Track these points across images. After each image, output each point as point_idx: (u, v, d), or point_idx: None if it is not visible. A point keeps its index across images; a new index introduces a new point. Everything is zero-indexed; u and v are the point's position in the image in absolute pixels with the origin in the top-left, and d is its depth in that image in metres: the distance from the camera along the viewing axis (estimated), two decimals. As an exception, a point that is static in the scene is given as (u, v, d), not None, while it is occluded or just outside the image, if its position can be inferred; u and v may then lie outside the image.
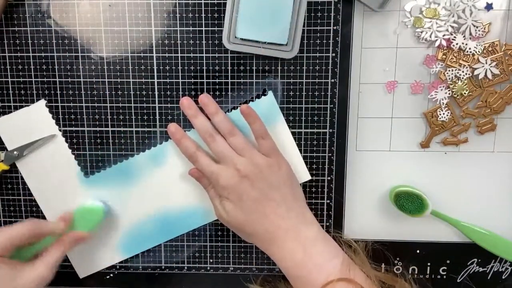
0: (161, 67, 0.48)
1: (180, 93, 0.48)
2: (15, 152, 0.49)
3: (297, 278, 0.44)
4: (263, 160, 0.45)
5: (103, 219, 0.49)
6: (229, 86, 0.48)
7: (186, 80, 0.48)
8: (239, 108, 0.47)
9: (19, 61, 0.48)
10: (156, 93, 0.48)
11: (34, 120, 0.49)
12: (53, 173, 0.50)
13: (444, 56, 0.46)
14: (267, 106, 0.48)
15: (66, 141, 0.50)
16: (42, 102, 0.49)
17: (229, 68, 0.47)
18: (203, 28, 0.47)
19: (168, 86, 0.48)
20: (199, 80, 0.48)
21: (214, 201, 0.47)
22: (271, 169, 0.45)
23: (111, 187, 0.50)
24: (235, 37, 0.45)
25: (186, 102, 0.47)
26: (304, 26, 0.46)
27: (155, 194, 0.50)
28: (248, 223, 0.45)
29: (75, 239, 0.47)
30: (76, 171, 0.50)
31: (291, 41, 0.45)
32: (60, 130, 0.49)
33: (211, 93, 0.48)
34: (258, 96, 0.48)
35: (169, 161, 0.49)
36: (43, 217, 0.51)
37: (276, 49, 0.45)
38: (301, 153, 0.49)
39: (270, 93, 0.48)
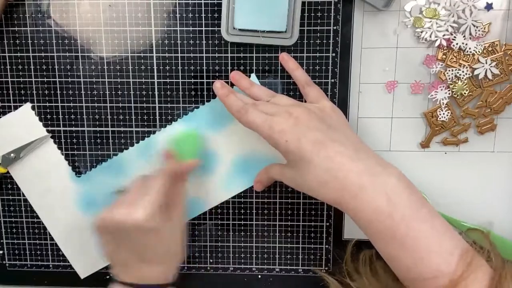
0: (161, 67, 0.48)
1: (180, 93, 0.48)
2: (12, 155, 0.49)
3: (378, 232, 0.37)
4: (315, 106, 0.42)
5: (202, 146, 0.48)
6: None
7: (186, 80, 0.48)
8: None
9: (19, 61, 0.48)
10: (156, 93, 0.48)
11: (22, 125, 0.49)
12: (51, 174, 0.50)
13: (444, 56, 0.46)
14: None
15: (66, 141, 0.50)
16: (28, 106, 0.49)
17: (229, 68, 0.47)
18: (203, 28, 0.47)
19: (168, 86, 0.48)
20: (199, 80, 0.48)
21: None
22: (325, 112, 0.42)
23: (103, 184, 0.50)
24: (234, 28, 0.45)
25: (219, 84, 0.44)
26: (304, 26, 0.46)
27: None
28: (310, 173, 0.38)
29: (185, 168, 0.45)
30: (74, 172, 0.50)
31: (290, 28, 0.45)
32: (54, 131, 0.50)
33: (211, 93, 0.48)
34: None
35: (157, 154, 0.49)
36: (37, 217, 0.52)
37: (276, 37, 0.45)
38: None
39: (253, 76, 0.47)
